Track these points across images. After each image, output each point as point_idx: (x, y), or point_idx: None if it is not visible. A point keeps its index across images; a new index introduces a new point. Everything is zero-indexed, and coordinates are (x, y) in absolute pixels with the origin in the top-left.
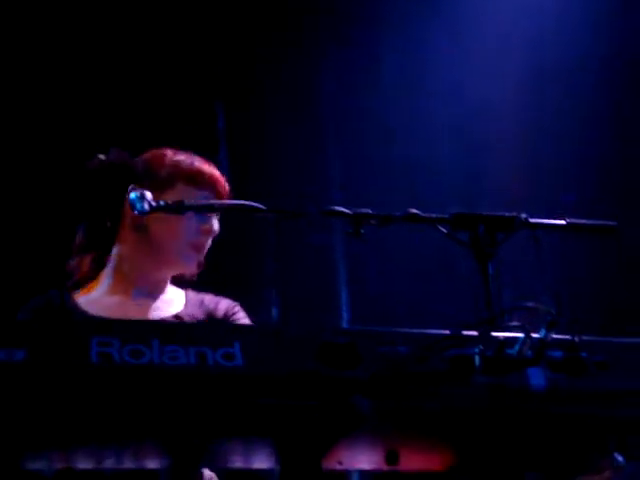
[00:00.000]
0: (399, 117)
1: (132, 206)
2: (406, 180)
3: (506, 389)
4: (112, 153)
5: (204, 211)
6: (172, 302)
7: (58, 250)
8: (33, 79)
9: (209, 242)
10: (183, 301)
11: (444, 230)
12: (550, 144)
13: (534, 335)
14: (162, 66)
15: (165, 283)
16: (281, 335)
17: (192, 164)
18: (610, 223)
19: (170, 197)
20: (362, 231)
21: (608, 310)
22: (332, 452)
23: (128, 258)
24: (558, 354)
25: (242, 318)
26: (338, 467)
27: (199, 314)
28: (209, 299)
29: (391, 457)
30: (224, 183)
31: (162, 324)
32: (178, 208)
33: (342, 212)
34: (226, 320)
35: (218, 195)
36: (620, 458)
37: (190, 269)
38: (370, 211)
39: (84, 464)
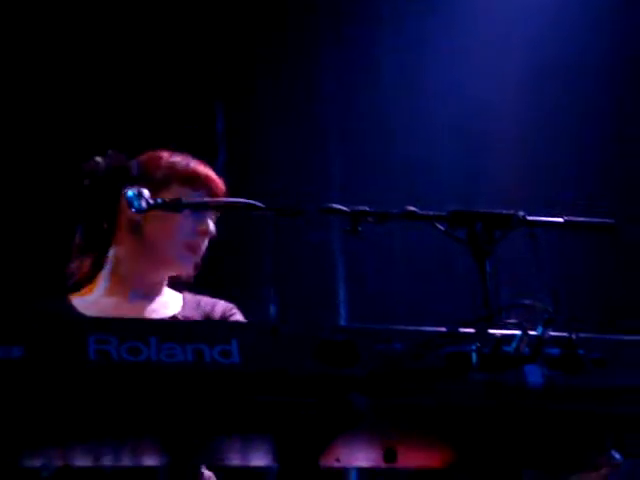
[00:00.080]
0: (398, 116)
1: (129, 204)
2: (405, 179)
3: (503, 386)
4: (108, 155)
5: (201, 209)
6: (169, 304)
7: (56, 249)
8: (32, 80)
9: (205, 243)
10: (180, 303)
11: (441, 228)
12: (550, 142)
13: (531, 332)
14: (161, 66)
15: (161, 285)
16: (278, 332)
17: (187, 165)
18: (608, 221)
19: (166, 198)
20: (360, 229)
21: (606, 307)
22: (330, 449)
23: (124, 260)
24: (555, 351)
25: (239, 320)
26: (336, 464)
27: (196, 316)
28: (206, 301)
29: (389, 455)
30: (220, 184)
31: (160, 322)
32: (175, 205)
33: (340, 210)
34: (223, 321)
35: (214, 196)
36: (617, 455)
37: (186, 270)
38: (367, 209)
39: (82, 462)
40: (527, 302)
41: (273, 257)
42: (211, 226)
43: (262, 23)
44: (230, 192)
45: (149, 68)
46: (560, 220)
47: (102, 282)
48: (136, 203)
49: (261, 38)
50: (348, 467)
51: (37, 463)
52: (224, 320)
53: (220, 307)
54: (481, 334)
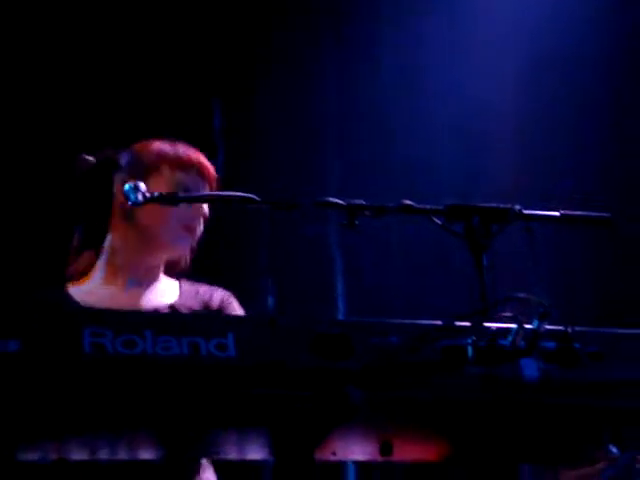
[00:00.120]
0: (397, 114)
1: (126, 197)
2: (404, 177)
3: (499, 380)
4: (97, 152)
5: (197, 202)
6: (166, 292)
7: (52, 239)
8: (29, 78)
9: (201, 224)
10: (177, 292)
11: (438, 222)
12: (547, 135)
13: (527, 326)
14: (158, 63)
15: (158, 271)
16: (274, 326)
17: (177, 148)
18: (605, 215)
19: (156, 182)
20: (356, 222)
21: (602, 301)
22: (326, 443)
23: (120, 247)
24: (551, 345)
25: (237, 308)
26: (332, 458)
27: (194, 304)
28: (204, 290)
29: (385, 448)
30: (211, 169)
31: (155, 315)
32: (171, 199)
33: (336, 203)
34: (221, 310)
35: (205, 178)
36: (614, 449)
37: (183, 252)
38: (364, 202)
39: (78, 455)
40: (522, 295)
41: (270, 251)
42: (205, 207)
43: (261, 20)
44: (227, 189)
45: (146, 65)
46: (557, 214)
47: (98, 271)
48: (132, 196)
49: (260, 35)
50: (344, 461)
51: (33, 456)
52: (222, 310)
53: (218, 295)
54: (477, 328)
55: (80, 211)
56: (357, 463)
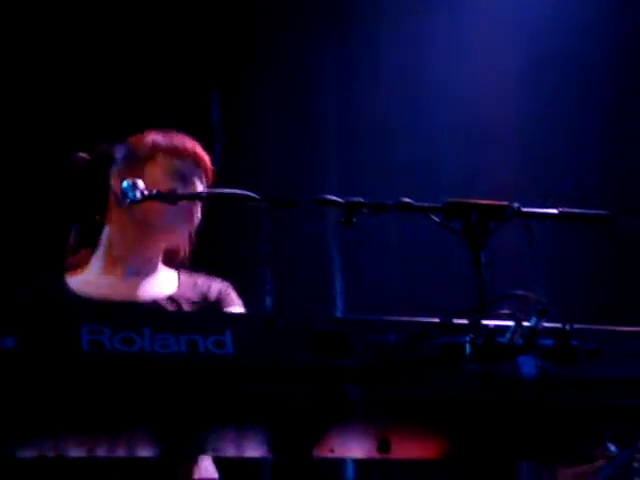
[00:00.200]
0: (397, 112)
1: (124, 195)
2: (403, 174)
3: (496, 377)
4: (92, 147)
5: (196, 199)
6: (164, 283)
7: (49, 238)
8: (26, 74)
9: (198, 211)
10: (176, 283)
11: (436, 219)
12: (549, 136)
13: (525, 323)
14: (157, 57)
15: (157, 261)
16: (272, 323)
17: (171, 137)
18: (603, 212)
19: (152, 171)
20: (354, 220)
21: (601, 299)
22: (324, 440)
23: (118, 239)
24: (549, 342)
25: (235, 299)
26: (330, 455)
27: (193, 296)
28: (202, 281)
29: (383, 445)
30: (205, 155)
31: (153, 312)
32: (170, 197)
33: (334, 201)
34: (219, 301)
35: (200, 165)
36: (612, 447)
37: (181, 240)
38: (362, 200)
39: (76, 452)
40: (520, 293)
41: (268, 248)
42: (200, 189)
43: (260, 14)
44: (225, 184)
45: (144, 59)
46: (555, 211)
47: (96, 262)
48: (131, 194)
49: (259, 30)
50: (342, 458)
51: (30, 454)
52: (220, 301)
53: (216, 286)
54: (475, 325)
55: (76, 208)
56: (356, 460)
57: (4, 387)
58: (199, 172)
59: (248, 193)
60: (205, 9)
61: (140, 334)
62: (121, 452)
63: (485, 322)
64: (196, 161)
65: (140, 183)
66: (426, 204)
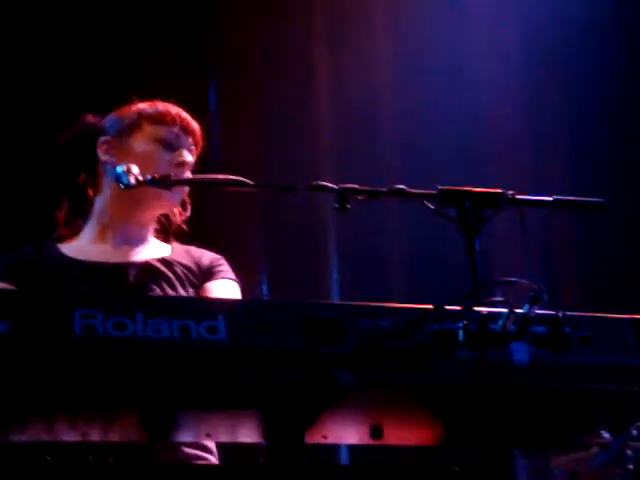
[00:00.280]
0: (396, 98)
1: (118, 181)
2: (399, 164)
3: (489, 364)
4: (79, 121)
5: (190, 185)
6: (157, 249)
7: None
8: (21, 50)
9: (187, 174)
10: (169, 249)
11: (431, 206)
12: (547, 126)
13: (518, 310)
14: (154, 44)
15: (148, 230)
16: (265, 309)
17: (156, 104)
18: (598, 200)
19: (139, 139)
20: (348, 206)
21: (594, 285)
22: (316, 426)
23: (109, 207)
24: (542, 329)
25: (226, 271)
26: (323, 441)
27: (185, 260)
28: (195, 249)
29: (376, 432)
30: (192, 122)
31: (146, 297)
32: (164, 182)
33: (328, 187)
34: (211, 269)
35: (187, 131)
36: (606, 434)
37: (171, 205)
38: (357, 186)
39: (68, 437)
40: (513, 280)
41: (265, 237)
42: (187, 156)
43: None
44: (222, 170)
45: (142, 45)
46: (550, 199)
47: (88, 231)
48: (124, 179)
49: (257, 23)
50: (335, 444)
51: (24, 438)
52: (211, 269)
53: (209, 256)
54: (468, 312)
55: (65, 180)
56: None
57: None
58: (186, 139)
59: (242, 179)
60: (205, 5)
61: (133, 319)
62: (115, 436)
63: (478, 309)
64: (182, 127)
65: (134, 168)
66: (420, 191)
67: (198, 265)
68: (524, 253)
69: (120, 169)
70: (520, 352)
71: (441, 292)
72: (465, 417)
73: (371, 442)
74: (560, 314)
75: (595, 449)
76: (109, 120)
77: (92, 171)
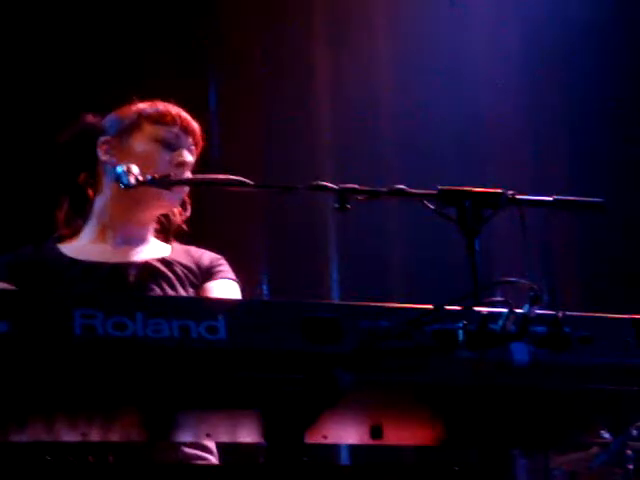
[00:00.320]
0: (396, 98)
1: (118, 180)
2: (399, 165)
3: (489, 364)
4: (79, 121)
5: (190, 185)
6: (157, 249)
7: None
8: (21, 50)
9: (187, 174)
10: (169, 249)
11: (431, 206)
12: (548, 126)
13: (518, 310)
14: (154, 44)
15: (147, 230)
16: (265, 309)
17: (157, 105)
18: (598, 200)
19: (139, 138)
20: (348, 206)
21: (594, 286)
22: (316, 426)
23: (109, 207)
24: (542, 329)
25: (226, 270)
26: (323, 441)
27: (185, 261)
28: (195, 249)
29: (375, 432)
30: (192, 122)
31: (146, 297)
32: (164, 182)
33: (328, 187)
34: (211, 269)
35: (188, 131)
36: (606, 434)
37: (171, 205)
38: (357, 186)
39: (68, 437)
40: (513, 280)
41: (265, 237)
42: (187, 156)
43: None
44: (222, 170)
45: (141, 43)
46: (550, 199)
47: (88, 231)
48: (125, 179)
49: (256, 21)
50: (336, 444)
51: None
52: (211, 268)
53: (209, 256)
54: (468, 312)
55: (66, 180)
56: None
57: None
58: (186, 139)
59: (242, 179)
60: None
61: (133, 319)
62: (115, 436)
63: (478, 309)
64: (183, 127)
65: (134, 168)
66: (420, 191)
67: (198, 265)
68: (524, 253)
69: (120, 169)
70: (520, 352)
71: (441, 292)
72: (465, 417)
73: (371, 442)
74: (560, 314)
75: (595, 449)
76: (109, 120)
77: (92, 171)
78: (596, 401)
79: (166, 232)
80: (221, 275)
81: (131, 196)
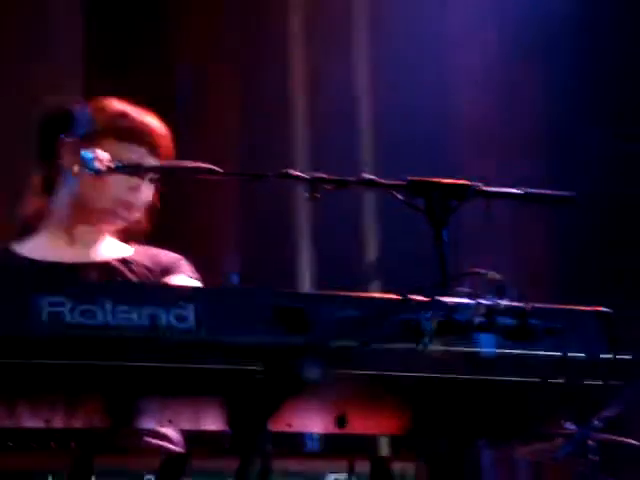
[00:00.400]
0: (375, 94)
1: (85, 166)
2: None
3: (456, 355)
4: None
5: (161, 172)
6: (116, 249)
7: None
8: None
9: (139, 200)
10: (129, 249)
11: (400, 197)
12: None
13: (484, 301)
14: (133, 41)
15: (102, 235)
16: (234, 298)
17: (132, 119)
18: (569, 194)
19: (105, 147)
20: (317, 195)
21: (562, 279)
22: (281, 415)
23: (61, 210)
24: (508, 321)
25: (186, 271)
26: (288, 429)
27: (145, 261)
28: (155, 249)
29: (340, 421)
30: (165, 138)
31: (114, 284)
32: (136, 170)
33: (298, 176)
34: (170, 267)
35: (154, 154)
36: (571, 426)
37: (119, 224)
38: (325, 175)
39: (32, 423)
40: (481, 271)
41: (237, 225)
42: (145, 188)
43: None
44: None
45: (122, 42)
46: (520, 192)
47: (44, 230)
48: (93, 165)
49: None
50: (301, 432)
51: None
52: (170, 269)
53: (168, 255)
54: (434, 302)
55: (36, 158)
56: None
57: None
58: (151, 160)
59: (211, 166)
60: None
61: (101, 306)
62: (78, 423)
63: (445, 299)
64: (150, 148)
65: (104, 154)
66: (389, 181)
67: (157, 264)
68: (493, 245)
69: (88, 155)
70: (487, 343)
71: (411, 282)
72: (430, 407)
73: (336, 431)
74: (527, 306)
75: (559, 440)
76: (80, 118)
77: (47, 166)
78: (562, 393)
79: (126, 232)
80: (180, 271)
81: (82, 208)
